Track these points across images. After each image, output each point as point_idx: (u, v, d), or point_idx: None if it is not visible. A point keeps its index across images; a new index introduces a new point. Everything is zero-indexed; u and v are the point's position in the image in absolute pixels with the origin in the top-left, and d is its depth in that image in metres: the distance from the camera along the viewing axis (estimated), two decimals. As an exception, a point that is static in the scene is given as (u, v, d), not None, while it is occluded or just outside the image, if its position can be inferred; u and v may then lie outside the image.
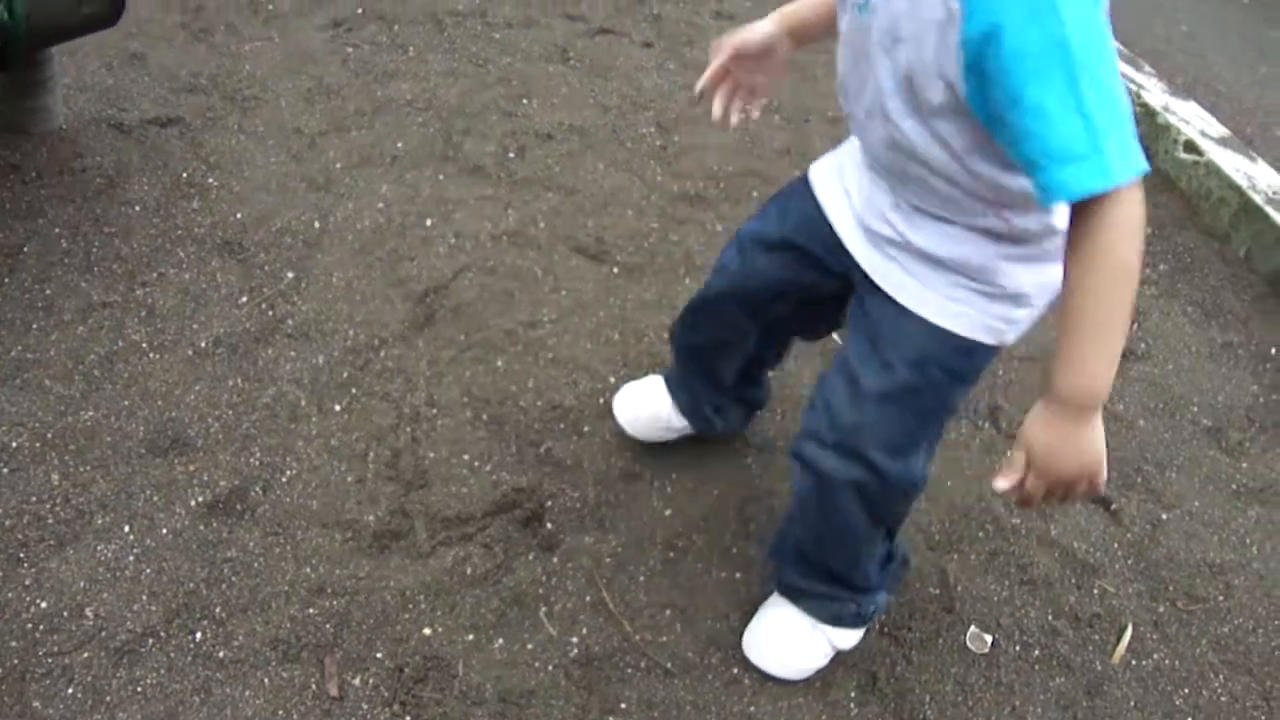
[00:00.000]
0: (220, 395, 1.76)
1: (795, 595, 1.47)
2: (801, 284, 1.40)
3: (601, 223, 2.28)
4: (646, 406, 1.72)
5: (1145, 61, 3.19)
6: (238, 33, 2.81)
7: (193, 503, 1.59)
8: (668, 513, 1.69)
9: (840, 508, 1.30)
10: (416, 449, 1.71)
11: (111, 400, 1.72)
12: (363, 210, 2.21)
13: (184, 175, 2.23)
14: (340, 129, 2.47)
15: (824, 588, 1.43)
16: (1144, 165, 0.94)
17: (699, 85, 1.38)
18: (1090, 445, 1.02)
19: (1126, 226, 0.95)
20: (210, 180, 2.23)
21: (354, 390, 1.80)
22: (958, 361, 1.24)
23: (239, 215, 2.14)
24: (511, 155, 2.46)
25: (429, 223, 2.20)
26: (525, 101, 2.68)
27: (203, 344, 1.84)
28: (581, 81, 2.79)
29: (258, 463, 1.66)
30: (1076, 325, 0.98)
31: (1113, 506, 1.83)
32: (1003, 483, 1.08)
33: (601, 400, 1.85)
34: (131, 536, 1.53)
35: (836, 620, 1.46)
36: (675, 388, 1.69)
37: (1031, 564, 1.71)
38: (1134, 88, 2.99)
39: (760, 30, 1.33)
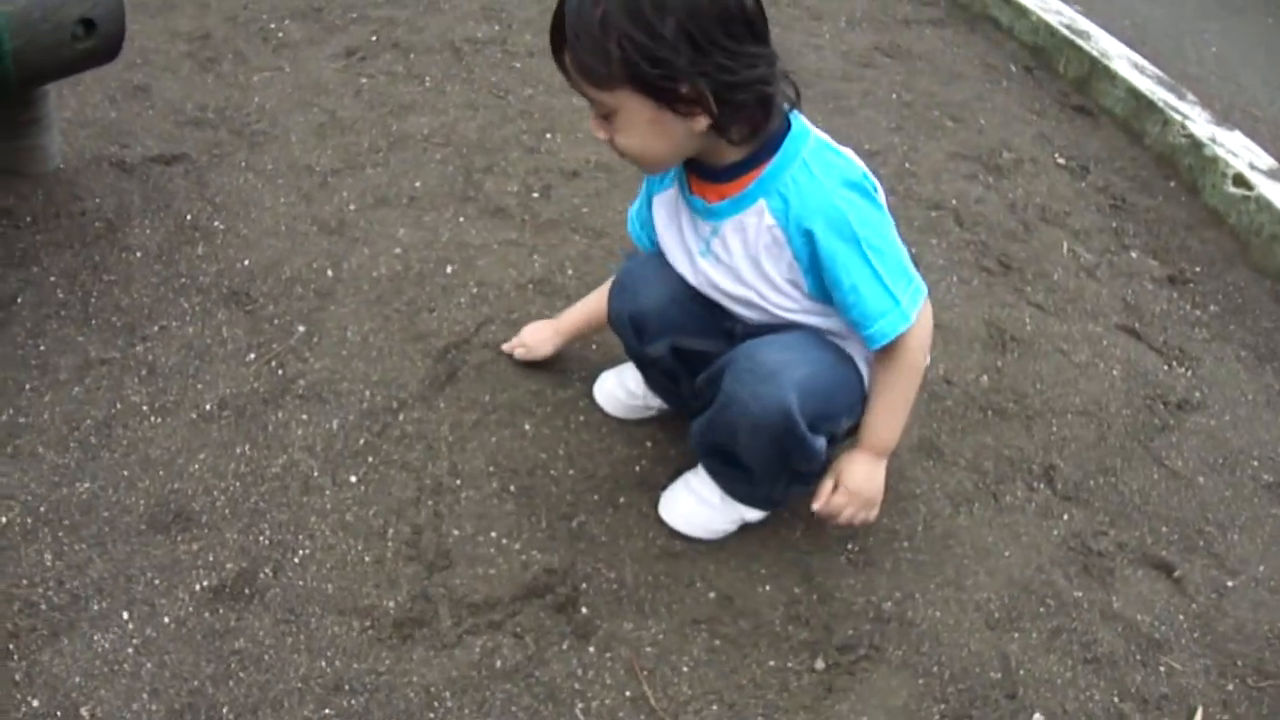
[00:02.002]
0: (226, 464, 1.63)
1: (713, 472, 1.59)
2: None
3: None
4: (623, 385, 1.80)
5: (1187, 89, 3.07)
6: (246, 62, 2.70)
7: (197, 586, 1.46)
8: (711, 595, 1.55)
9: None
10: (439, 525, 1.58)
11: (110, 470, 1.59)
12: (378, 256, 2.09)
13: (188, 218, 2.11)
14: (354, 166, 2.35)
15: (738, 472, 1.54)
16: (923, 290, 1.37)
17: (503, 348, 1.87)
18: (881, 479, 1.49)
19: (915, 341, 1.38)
20: (216, 223, 2.11)
21: (371, 459, 1.67)
22: None
23: (246, 262, 2.02)
24: (536, 195, 2.34)
25: (449, 270, 2.08)
26: (549, 136, 2.56)
27: (207, 406, 1.71)
28: (605, 116, 2.67)
29: (267, 541, 1.53)
30: (882, 406, 1.45)
31: (1176, 574, 1.71)
32: (817, 504, 1.49)
33: (638, 468, 1.72)
34: (131, 625, 1.40)
35: (747, 499, 1.59)
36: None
37: (1095, 641, 1.58)
38: (1179, 118, 2.87)
39: (542, 350, 1.83)
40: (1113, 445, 1.92)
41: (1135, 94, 3.00)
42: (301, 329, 1.89)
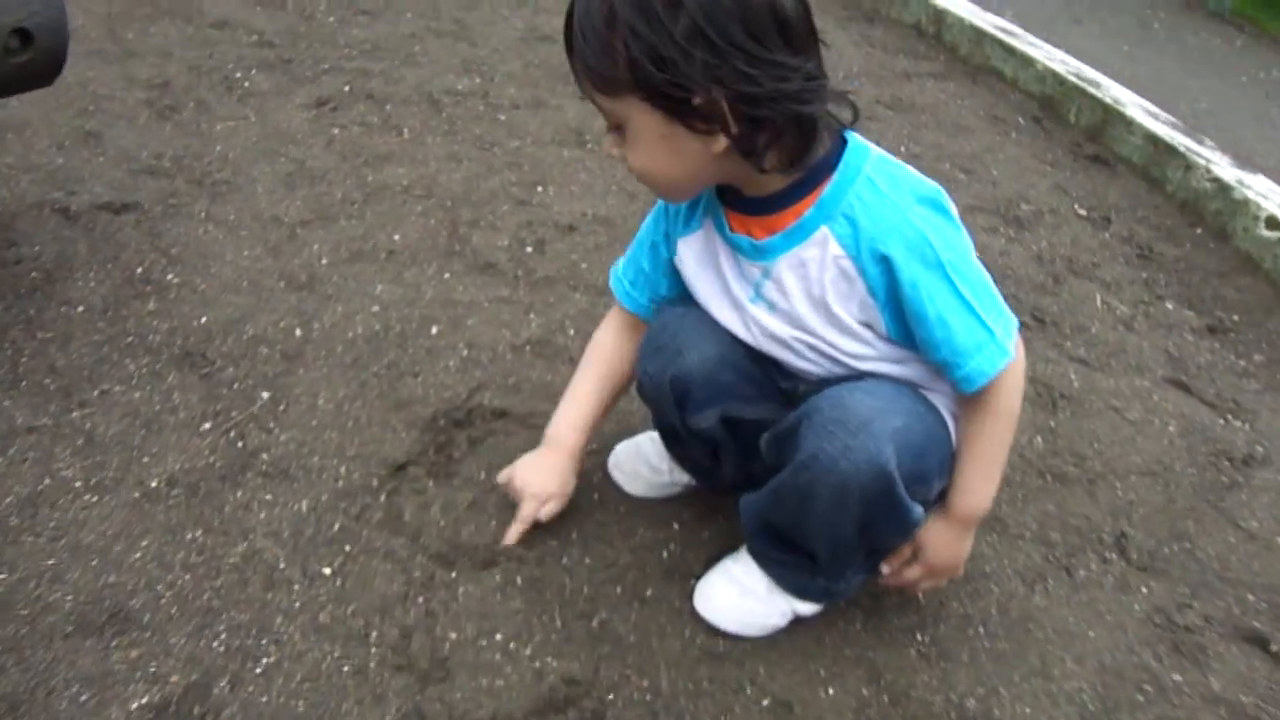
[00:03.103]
0: (174, 553, 1.36)
1: (763, 559, 1.37)
2: None
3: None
4: (643, 459, 1.55)
5: (1206, 136, 2.93)
6: (209, 111, 2.49)
7: (135, 704, 1.18)
8: (766, 702, 1.29)
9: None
10: (433, 626, 1.32)
11: (32, 558, 1.33)
12: (354, 315, 1.85)
13: (139, 270, 1.87)
14: (326, 218, 2.12)
15: (795, 558, 1.32)
16: (1015, 321, 1.18)
17: (507, 541, 1.42)
18: (966, 552, 1.34)
19: (1012, 382, 1.19)
20: (170, 277, 1.86)
21: (348, 547, 1.41)
22: None
23: (203, 319, 1.77)
24: (529, 250, 2.12)
25: (435, 330, 1.84)
26: (540, 189, 2.35)
27: (154, 484, 1.45)
28: (602, 167, 2.48)
29: (223, 648, 1.26)
30: (975, 463, 1.25)
31: (1272, 647, 1.51)
32: (886, 569, 1.33)
33: (666, 554, 1.47)
34: (48, 759, 1.12)
35: (803, 591, 1.36)
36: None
37: None
38: (1202, 162, 2.73)
39: (568, 488, 1.43)
40: (1182, 507, 1.75)
41: (1153, 140, 2.87)
42: (265, 395, 1.64)
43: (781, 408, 1.26)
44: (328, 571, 1.37)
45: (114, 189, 2.10)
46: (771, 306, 1.22)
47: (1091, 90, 3.10)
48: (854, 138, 1.17)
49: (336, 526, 1.43)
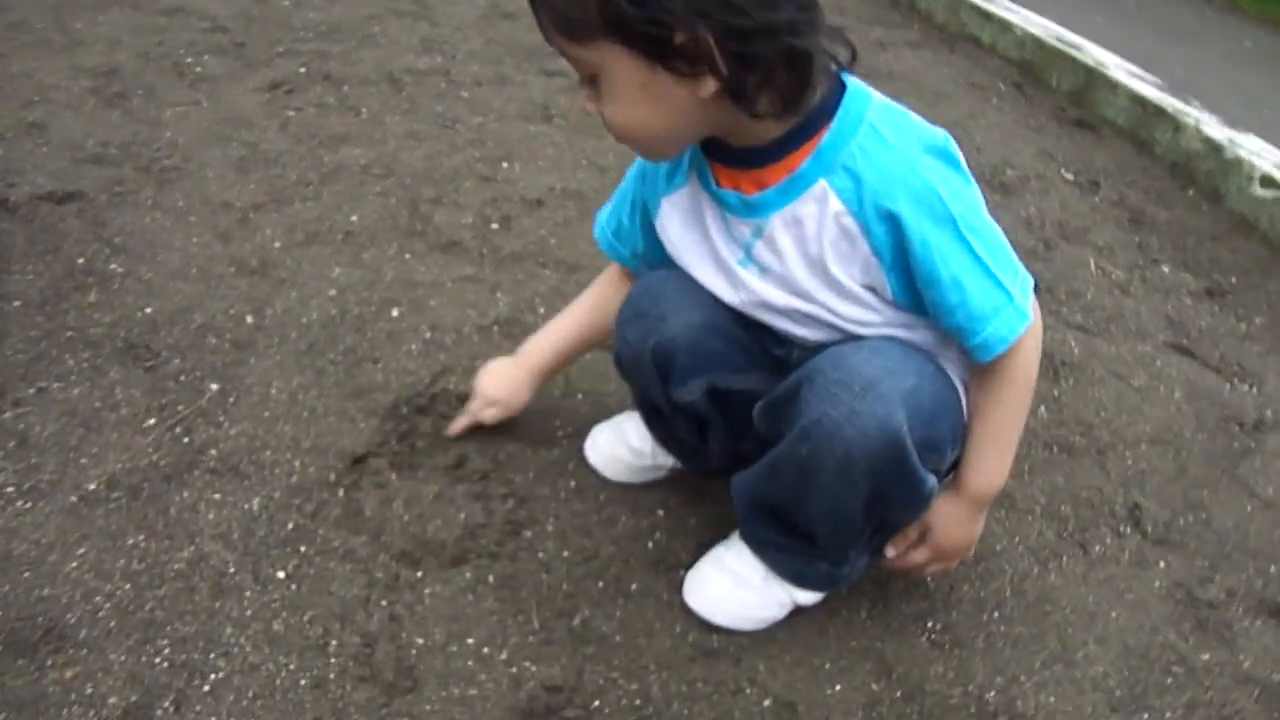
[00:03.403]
0: (114, 561, 1.24)
1: (758, 544, 1.25)
2: None
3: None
4: (623, 441, 1.44)
5: (1192, 95, 2.85)
6: (158, 98, 2.36)
7: (69, 731, 1.07)
8: (767, 702, 1.19)
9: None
10: (398, 632, 1.20)
11: (-46, 576, 1.20)
12: (309, 299, 1.73)
13: (80, 261, 1.75)
14: (280, 201, 2.00)
15: (794, 541, 1.21)
16: (1030, 280, 1.08)
17: (450, 432, 1.46)
18: (978, 533, 1.23)
19: (1031, 346, 1.10)
20: (113, 266, 1.74)
21: (304, 548, 1.29)
22: None
23: (148, 310, 1.65)
24: (495, 226, 2.01)
25: (395, 313, 1.73)
26: (505, 165, 2.24)
27: (91, 486, 1.33)
28: (570, 141, 2.36)
29: (166, 664, 1.14)
30: (989, 436, 1.15)
31: None
32: (891, 551, 1.23)
33: (651, 544, 1.36)
34: (-30, 794, 1.01)
35: (801, 578, 1.24)
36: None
37: (1236, 713, 1.28)
38: (1192, 123, 2.65)
39: (518, 401, 1.43)
40: (1195, 476, 1.67)
41: (1140, 102, 2.79)
42: (214, 387, 1.52)
43: (773, 377, 1.15)
44: (281, 575, 1.26)
45: (56, 179, 1.97)
46: (763, 270, 1.12)
47: (1073, 53, 3.01)
48: (853, 82, 1.06)
49: (290, 526, 1.32)
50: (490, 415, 1.43)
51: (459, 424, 1.45)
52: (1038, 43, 3.10)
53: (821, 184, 1.03)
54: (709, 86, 0.95)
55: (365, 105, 2.44)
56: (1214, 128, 2.63)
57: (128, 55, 2.54)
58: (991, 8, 3.30)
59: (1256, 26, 4.20)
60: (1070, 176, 2.64)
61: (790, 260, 1.08)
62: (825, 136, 1.03)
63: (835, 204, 1.03)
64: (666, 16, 0.90)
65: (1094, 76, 2.93)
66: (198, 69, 2.53)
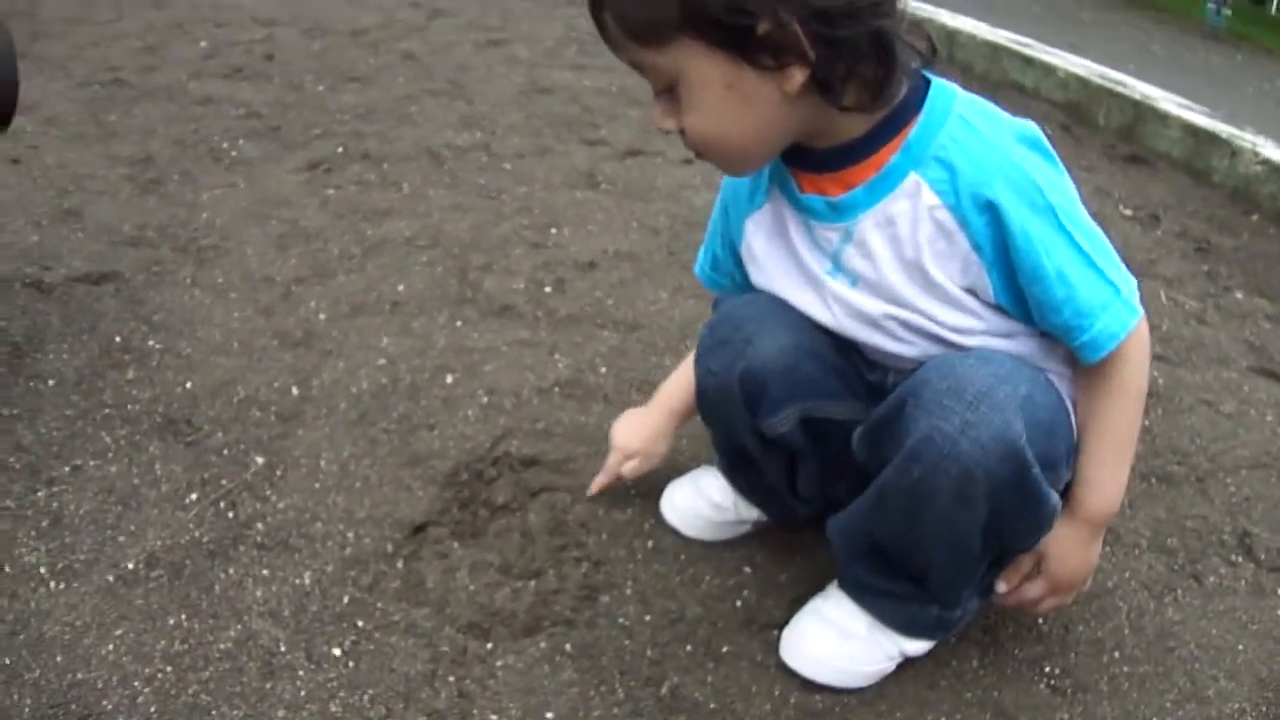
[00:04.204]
0: (154, 643, 1.14)
1: (861, 592, 1.14)
2: None
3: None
4: (702, 495, 1.33)
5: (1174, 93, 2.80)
6: (194, 182, 2.34)
7: (108, 837, 0.95)
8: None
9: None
10: (469, 709, 1.09)
11: (-15, 663, 1.11)
12: (358, 369, 1.65)
13: (117, 339, 1.68)
14: (323, 274, 1.94)
15: (903, 585, 1.10)
16: (1135, 280, 1.00)
17: (591, 492, 1.37)
18: (1096, 555, 1.12)
19: (1140, 350, 1.01)
20: (151, 343, 1.68)
21: (361, 623, 1.19)
22: None
23: (188, 384, 1.58)
24: (548, 290, 1.93)
25: (450, 379, 1.64)
26: (554, 231, 2.18)
27: (130, 564, 1.24)
28: (618, 205, 2.30)
29: (215, 756, 1.03)
30: (1104, 452, 1.05)
31: None
32: (1004, 586, 1.12)
33: (739, 603, 1.24)
34: None
35: (910, 626, 1.12)
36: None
37: None
38: (1249, 146, 2.61)
39: (657, 450, 1.33)
40: None
41: (1193, 132, 2.72)
42: (260, 460, 1.43)
43: (869, 405, 1.05)
44: (338, 653, 1.15)
45: (92, 261, 1.93)
46: (855, 279, 1.03)
47: (1120, 90, 2.95)
48: (936, 78, 0.99)
49: (346, 600, 1.21)
50: (630, 468, 1.32)
51: (598, 482, 1.35)
52: (1082, 82, 3.05)
53: (913, 177, 0.96)
54: (796, 79, 0.89)
55: (406, 180, 2.41)
56: (1271, 150, 2.55)
57: (163, 143, 2.53)
58: (1031, 52, 3.25)
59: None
60: (1129, 212, 2.56)
61: (884, 264, 0.99)
62: (913, 129, 0.96)
63: (930, 197, 0.96)
64: (749, 3, 0.84)
65: (1143, 110, 2.86)
66: (234, 153, 2.52)
